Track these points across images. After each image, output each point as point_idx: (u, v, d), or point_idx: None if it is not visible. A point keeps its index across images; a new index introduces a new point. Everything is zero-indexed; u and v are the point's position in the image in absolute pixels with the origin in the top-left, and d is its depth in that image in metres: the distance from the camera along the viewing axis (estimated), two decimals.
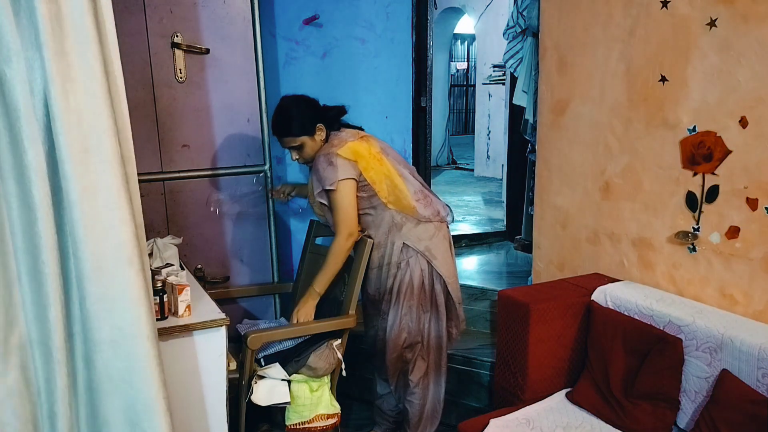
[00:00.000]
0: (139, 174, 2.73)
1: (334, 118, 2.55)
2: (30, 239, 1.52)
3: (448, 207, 2.63)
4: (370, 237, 2.50)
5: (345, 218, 2.43)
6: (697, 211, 2.25)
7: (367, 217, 2.50)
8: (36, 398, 1.60)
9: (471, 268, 4.13)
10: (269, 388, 2.37)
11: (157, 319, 1.94)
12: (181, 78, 2.82)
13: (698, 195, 2.23)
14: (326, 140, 2.51)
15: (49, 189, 1.52)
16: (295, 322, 2.47)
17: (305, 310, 2.49)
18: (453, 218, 2.63)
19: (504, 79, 6.11)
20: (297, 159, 2.56)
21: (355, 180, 2.43)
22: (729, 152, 2.12)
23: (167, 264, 2.25)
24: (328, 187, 2.40)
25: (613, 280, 2.50)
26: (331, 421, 2.49)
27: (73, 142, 1.49)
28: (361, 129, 2.62)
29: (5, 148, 1.49)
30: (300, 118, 2.46)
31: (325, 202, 2.49)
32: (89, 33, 1.49)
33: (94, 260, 1.55)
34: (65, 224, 1.55)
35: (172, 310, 1.99)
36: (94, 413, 1.64)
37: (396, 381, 2.64)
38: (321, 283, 2.49)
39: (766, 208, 2.04)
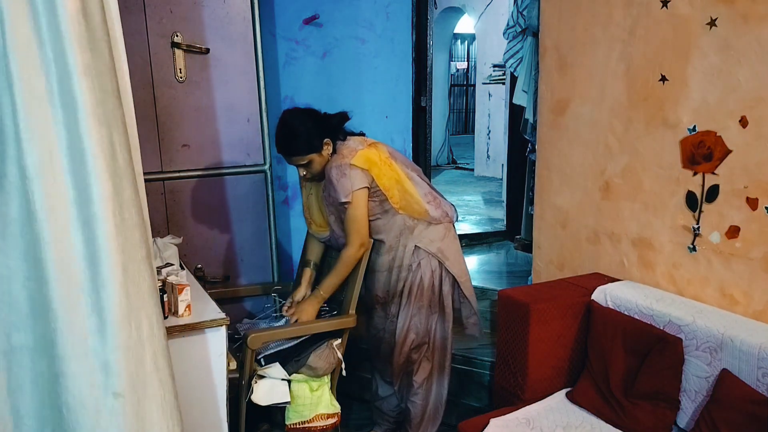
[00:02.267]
0: None
1: (338, 128, 2.49)
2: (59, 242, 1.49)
3: (453, 206, 2.63)
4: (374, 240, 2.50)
5: (358, 229, 2.42)
6: (697, 211, 2.25)
7: (378, 221, 2.48)
8: None
9: (471, 267, 4.10)
10: (269, 388, 2.37)
11: None
12: (181, 78, 2.82)
13: (698, 195, 2.23)
14: (334, 151, 2.46)
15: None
16: (294, 321, 2.47)
17: (307, 310, 2.49)
18: (458, 217, 2.63)
19: (504, 79, 6.11)
20: (305, 175, 2.49)
21: (368, 188, 2.41)
22: (729, 152, 2.12)
23: (167, 264, 2.25)
24: (343, 200, 2.38)
25: (613, 280, 2.50)
26: (331, 421, 2.49)
27: (102, 139, 1.47)
28: (362, 134, 2.60)
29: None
30: (306, 135, 2.39)
31: (335, 213, 2.48)
32: (104, 30, 1.48)
33: (118, 259, 1.50)
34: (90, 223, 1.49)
35: (172, 310, 1.99)
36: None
37: (399, 381, 2.64)
38: (327, 287, 2.50)
39: (766, 207, 2.04)
